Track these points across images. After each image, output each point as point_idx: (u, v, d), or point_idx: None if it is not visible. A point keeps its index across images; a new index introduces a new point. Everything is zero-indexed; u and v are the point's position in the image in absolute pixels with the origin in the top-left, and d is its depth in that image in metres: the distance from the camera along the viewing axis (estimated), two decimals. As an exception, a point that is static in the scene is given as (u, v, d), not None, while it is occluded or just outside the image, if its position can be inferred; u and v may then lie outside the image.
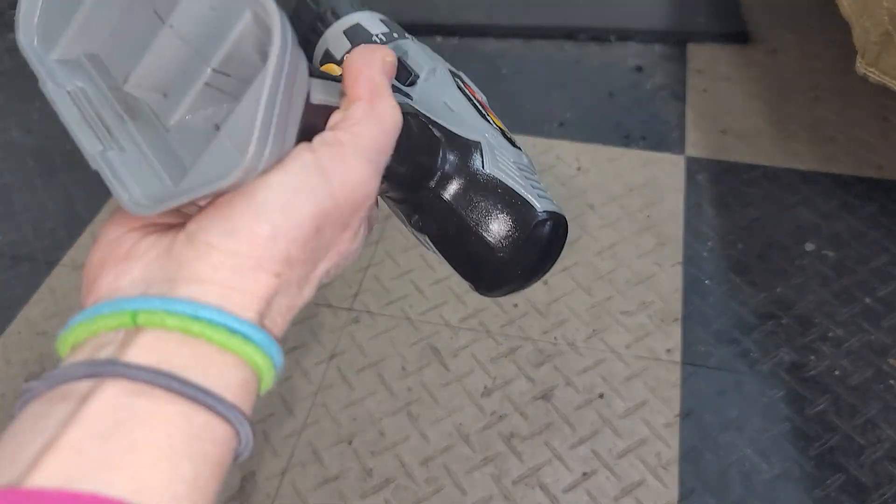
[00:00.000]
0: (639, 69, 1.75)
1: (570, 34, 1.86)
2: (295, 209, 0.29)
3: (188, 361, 0.27)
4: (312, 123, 0.33)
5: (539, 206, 0.41)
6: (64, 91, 0.31)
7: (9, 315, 1.32)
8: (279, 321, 0.30)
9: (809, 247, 1.34)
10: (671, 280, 1.29)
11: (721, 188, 1.46)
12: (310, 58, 0.48)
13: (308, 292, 0.32)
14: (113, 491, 0.23)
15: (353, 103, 0.34)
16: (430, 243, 0.43)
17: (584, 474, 1.06)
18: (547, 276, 1.30)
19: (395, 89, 0.40)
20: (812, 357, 1.18)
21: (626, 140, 1.57)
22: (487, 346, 1.21)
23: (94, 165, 0.30)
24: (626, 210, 1.42)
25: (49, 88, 0.31)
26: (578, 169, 1.51)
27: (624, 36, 1.85)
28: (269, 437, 1.11)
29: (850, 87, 1.64)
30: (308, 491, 1.05)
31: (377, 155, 0.33)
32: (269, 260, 0.28)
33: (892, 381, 1.14)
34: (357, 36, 0.45)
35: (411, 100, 0.42)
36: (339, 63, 0.45)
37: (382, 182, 0.36)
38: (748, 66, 1.74)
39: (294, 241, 0.29)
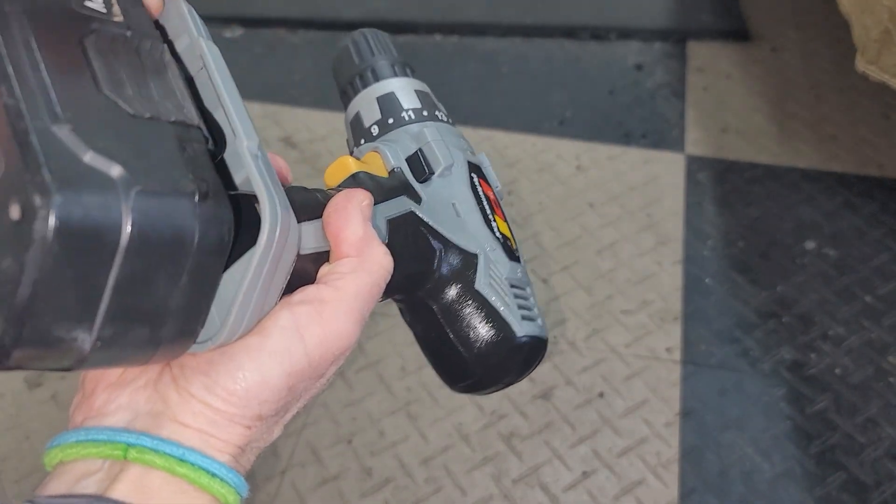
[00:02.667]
0: (639, 67, 1.75)
1: (570, 32, 1.86)
2: (269, 373, 0.31)
3: (169, 499, 0.29)
4: (304, 269, 0.34)
5: (519, 330, 0.42)
6: None
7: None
8: (250, 458, 0.34)
9: (810, 245, 1.34)
10: (672, 279, 1.29)
11: (722, 186, 1.45)
12: (345, 101, 0.49)
13: (277, 432, 0.34)
14: None
15: (340, 260, 0.35)
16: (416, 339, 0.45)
17: (584, 473, 1.06)
18: (547, 276, 1.30)
19: (407, 187, 0.42)
20: (813, 355, 1.18)
21: (626, 138, 1.57)
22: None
23: None
24: (627, 209, 1.42)
25: None
26: (578, 167, 1.51)
27: (624, 34, 1.84)
28: (269, 437, 1.11)
29: (851, 85, 1.63)
30: (308, 491, 1.05)
31: (362, 305, 0.34)
32: (241, 417, 0.31)
33: (892, 380, 1.14)
34: (388, 107, 0.46)
35: (419, 203, 0.42)
36: (367, 132, 0.46)
37: None
38: (749, 64, 1.74)
39: (266, 401, 0.31)
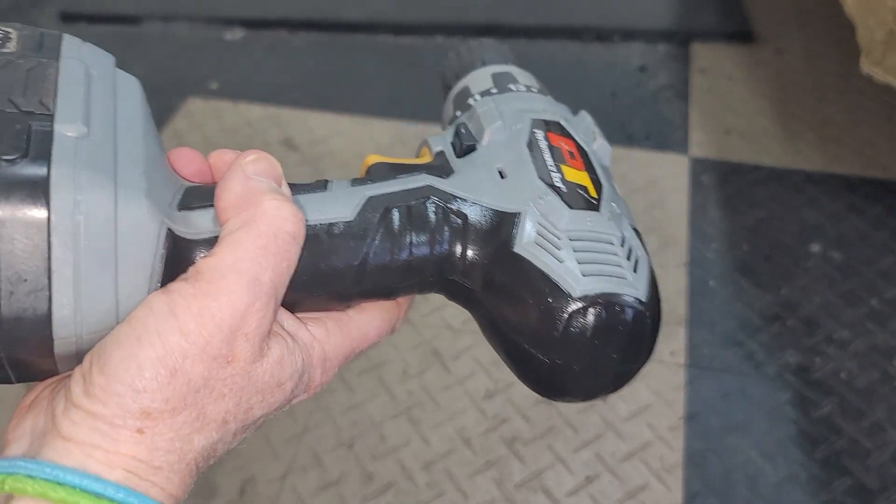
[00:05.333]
0: (642, 69, 1.74)
1: (573, 33, 1.86)
2: (139, 359, 0.27)
3: None
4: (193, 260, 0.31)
5: (577, 289, 0.33)
6: None
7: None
8: (180, 471, 0.29)
9: (815, 248, 1.33)
10: (675, 282, 1.28)
11: (725, 189, 1.45)
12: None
13: (224, 437, 0.30)
14: None
15: (223, 224, 0.30)
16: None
17: (588, 478, 1.05)
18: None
19: (437, 166, 0.38)
20: (818, 359, 1.17)
21: (629, 140, 1.56)
22: (489, 348, 1.20)
23: None
24: (630, 211, 1.42)
25: None
26: (581, 170, 1.50)
27: (627, 35, 1.84)
28: (270, 441, 1.10)
29: (855, 87, 1.63)
30: (309, 495, 1.04)
31: (252, 265, 0.29)
32: (122, 416, 0.27)
33: (898, 384, 1.14)
34: (459, 100, 0.43)
35: (448, 176, 0.37)
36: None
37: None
38: (753, 66, 1.73)
39: (143, 392, 0.27)
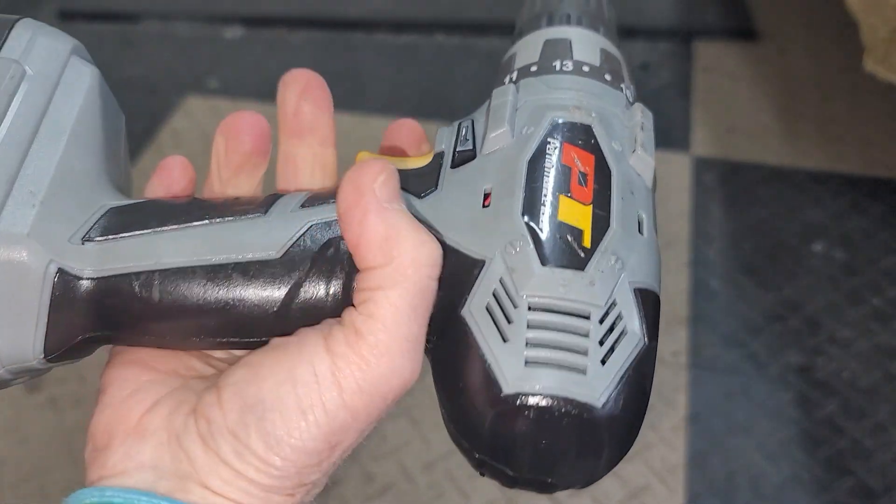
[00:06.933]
0: (644, 67, 1.74)
1: (574, 32, 1.85)
2: (307, 438, 0.26)
3: None
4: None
5: (509, 383, 0.25)
6: None
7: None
8: None
9: (817, 247, 1.33)
10: (677, 282, 1.28)
11: (728, 188, 1.44)
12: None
13: (325, 480, 0.29)
14: None
15: (364, 273, 0.27)
16: None
17: (589, 479, 1.05)
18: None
19: (424, 175, 0.31)
20: (820, 359, 1.16)
21: (631, 139, 1.55)
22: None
23: None
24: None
25: None
26: (583, 168, 1.50)
27: (629, 33, 1.83)
28: (270, 441, 1.10)
29: (859, 85, 1.62)
30: (308, 496, 1.04)
31: (408, 324, 0.26)
32: (280, 489, 0.27)
33: (902, 384, 1.13)
34: (502, 70, 0.35)
35: (426, 194, 0.30)
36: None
37: None
38: (756, 64, 1.72)
39: (305, 468, 0.27)
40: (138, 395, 0.29)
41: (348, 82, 1.71)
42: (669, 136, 1.56)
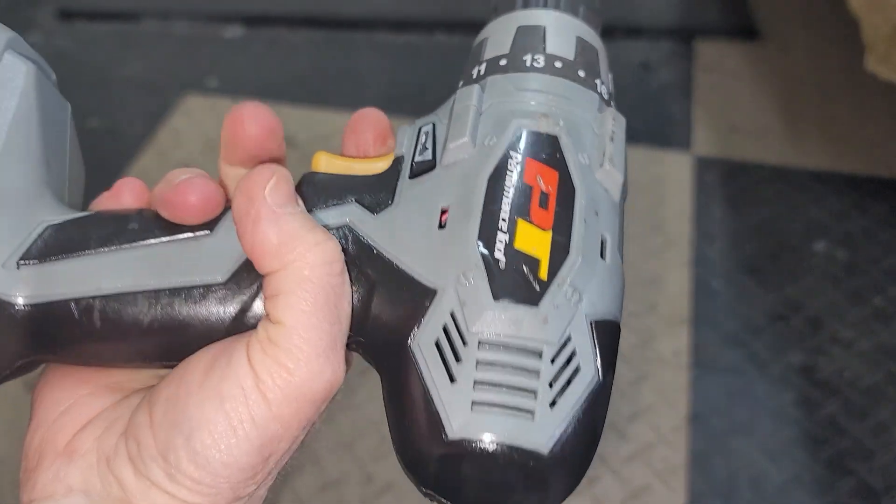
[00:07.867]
0: (646, 66, 1.73)
1: (575, 31, 1.85)
2: (237, 453, 0.25)
3: None
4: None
5: (454, 426, 0.25)
6: None
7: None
8: None
9: (819, 247, 1.32)
10: (679, 281, 1.28)
11: (730, 187, 1.44)
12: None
13: (264, 492, 0.29)
14: None
15: (265, 279, 0.27)
16: None
17: (589, 479, 1.04)
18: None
19: (377, 187, 0.30)
20: (822, 359, 1.16)
21: (632, 138, 1.52)
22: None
23: None
24: (633, 210, 1.40)
25: None
26: (584, 168, 1.50)
27: (630, 32, 1.83)
28: (270, 441, 1.10)
29: (860, 85, 1.61)
30: (308, 496, 1.04)
31: (319, 325, 0.26)
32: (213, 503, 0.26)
33: (904, 384, 1.13)
34: (469, 62, 0.33)
35: (380, 210, 0.29)
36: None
37: None
38: (757, 63, 1.72)
39: (239, 482, 0.26)
40: (72, 412, 0.28)
41: (348, 81, 1.71)
42: (670, 135, 1.55)
